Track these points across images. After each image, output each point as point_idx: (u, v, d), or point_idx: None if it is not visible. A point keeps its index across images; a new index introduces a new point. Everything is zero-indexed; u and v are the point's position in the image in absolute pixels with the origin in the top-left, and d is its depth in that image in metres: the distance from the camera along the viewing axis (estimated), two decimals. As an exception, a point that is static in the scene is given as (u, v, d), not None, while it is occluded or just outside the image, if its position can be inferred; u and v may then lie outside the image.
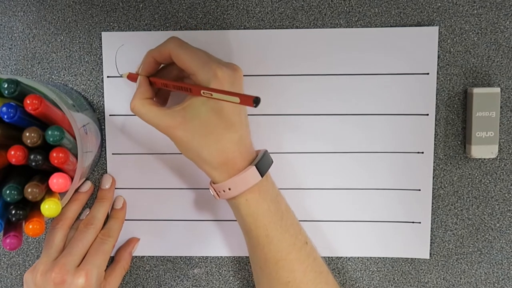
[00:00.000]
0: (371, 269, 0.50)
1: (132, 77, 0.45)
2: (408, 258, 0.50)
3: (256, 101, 0.34)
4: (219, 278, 0.51)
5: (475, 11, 0.47)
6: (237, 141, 0.41)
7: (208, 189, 0.49)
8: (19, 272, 0.51)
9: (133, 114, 0.48)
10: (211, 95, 0.38)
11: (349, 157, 0.49)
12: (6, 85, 0.35)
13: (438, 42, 0.47)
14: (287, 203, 0.45)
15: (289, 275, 0.43)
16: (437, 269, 0.50)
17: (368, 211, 0.49)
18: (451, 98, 0.48)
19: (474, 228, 0.50)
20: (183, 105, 0.41)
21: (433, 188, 0.49)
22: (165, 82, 0.42)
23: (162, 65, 0.45)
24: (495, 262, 0.50)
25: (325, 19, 0.48)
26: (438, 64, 0.48)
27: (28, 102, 0.35)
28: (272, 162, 0.44)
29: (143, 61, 0.44)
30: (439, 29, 0.47)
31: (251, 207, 0.42)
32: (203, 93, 0.38)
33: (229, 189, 0.41)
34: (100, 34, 0.48)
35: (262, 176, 0.41)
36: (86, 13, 0.48)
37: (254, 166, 0.41)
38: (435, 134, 0.49)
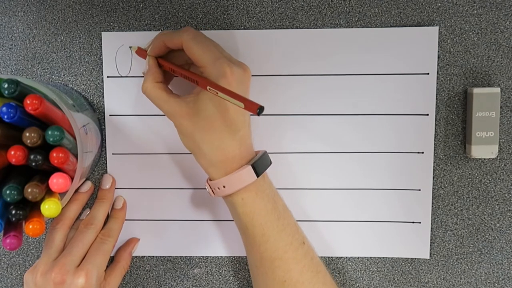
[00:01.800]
0: (371, 269, 0.50)
1: (140, 53, 0.45)
2: (408, 258, 0.50)
3: (260, 110, 0.34)
4: (219, 278, 0.51)
5: (475, 11, 0.47)
6: (238, 141, 0.41)
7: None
8: (19, 272, 0.51)
9: (133, 114, 0.49)
10: (217, 93, 0.37)
11: (349, 157, 0.49)
12: (6, 85, 0.35)
13: (438, 42, 0.47)
14: (284, 203, 0.45)
15: (285, 275, 0.43)
16: (437, 269, 0.50)
17: (368, 211, 0.49)
18: (451, 98, 0.48)
19: (474, 228, 0.50)
20: (192, 96, 0.41)
21: (433, 188, 0.49)
22: (173, 68, 0.42)
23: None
24: (495, 262, 0.50)
25: (325, 19, 0.48)
26: (438, 64, 0.48)
27: (28, 102, 0.35)
28: (271, 163, 0.44)
29: (153, 42, 0.43)
30: (439, 29, 0.47)
31: (247, 206, 0.42)
32: (209, 89, 0.38)
33: (224, 186, 0.41)
34: (100, 34, 0.48)
35: (258, 176, 0.41)
36: (86, 13, 0.48)
37: (250, 166, 0.41)
38: (435, 134, 0.49)
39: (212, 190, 0.43)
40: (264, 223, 0.42)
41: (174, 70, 0.42)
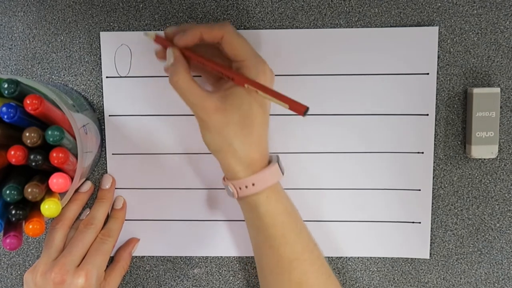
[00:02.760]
0: (371, 269, 0.50)
1: (160, 41, 0.42)
2: (408, 258, 0.50)
3: (306, 111, 0.34)
4: (219, 278, 0.51)
5: (475, 11, 0.47)
6: (265, 141, 0.42)
7: (208, 189, 0.49)
8: (19, 272, 0.51)
9: (133, 114, 0.49)
10: (257, 91, 0.37)
11: (349, 157, 0.49)
12: (6, 85, 0.35)
13: (438, 42, 0.47)
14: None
15: (302, 276, 0.42)
16: (437, 269, 0.50)
17: (368, 211, 0.49)
18: (451, 98, 0.48)
19: (474, 228, 0.49)
20: (225, 91, 0.41)
21: (433, 188, 0.49)
22: (204, 61, 0.40)
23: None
24: (495, 262, 0.50)
25: (325, 19, 0.48)
26: (438, 64, 0.48)
27: (28, 102, 0.35)
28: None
29: (186, 32, 0.40)
30: (439, 29, 0.47)
31: (271, 204, 0.42)
32: (247, 86, 0.37)
33: (253, 184, 0.41)
34: (99, 34, 0.48)
35: (283, 174, 0.42)
36: (86, 13, 0.48)
37: (277, 164, 0.41)
38: (435, 134, 0.49)
39: (237, 190, 0.42)
40: (286, 223, 0.42)
41: (204, 63, 0.40)
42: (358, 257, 0.50)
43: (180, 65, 0.40)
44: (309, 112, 0.48)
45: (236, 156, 0.41)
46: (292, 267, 0.42)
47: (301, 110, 0.33)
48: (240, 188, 0.41)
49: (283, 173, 0.42)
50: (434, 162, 0.49)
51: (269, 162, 0.42)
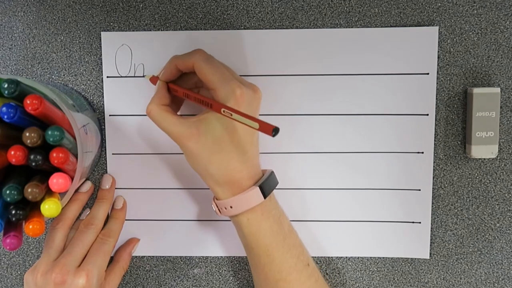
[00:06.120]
0: (371, 269, 0.50)
1: (154, 81, 0.45)
2: (408, 258, 0.50)
3: (275, 131, 0.34)
4: (219, 278, 0.51)
5: (475, 11, 0.47)
6: (246, 162, 0.41)
7: (208, 189, 0.49)
8: (19, 272, 0.51)
9: (133, 114, 0.49)
10: (231, 115, 0.37)
11: (349, 157, 0.49)
12: (6, 85, 0.35)
13: (438, 42, 0.47)
14: (290, 223, 0.45)
15: None
16: (437, 269, 0.50)
17: (368, 211, 0.49)
18: (451, 98, 0.48)
19: (474, 228, 0.50)
20: (199, 117, 0.41)
21: (433, 188, 0.49)
22: (187, 92, 0.42)
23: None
24: (495, 262, 0.50)
25: (325, 19, 0.48)
26: (438, 64, 0.48)
27: (28, 102, 0.35)
28: (277, 183, 0.44)
29: (165, 66, 0.44)
30: (439, 29, 0.47)
31: (253, 226, 0.42)
32: (223, 111, 0.38)
33: (231, 207, 0.41)
34: (100, 34, 0.48)
35: (265, 197, 0.41)
36: (86, 13, 0.48)
37: (258, 187, 0.41)
38: (435, 134, 0.49)
39: (219, 209, 0.43)
40: (269, 243, 0.42)
41: (188, 95, 0.42)
42: (358, 257, 0.50)
43: (155, 96, 0.43)
44: (309, 112, 0.48)
45: (213, 179, 0.42)
46: (278, 286, 0.43)
47: (270, 130, 0.34)
48: (222, 208, 0.42)
49: (266, 195, 0.41)
50: (434, 162, 0.49)
51: (258, 180, 0.42)
